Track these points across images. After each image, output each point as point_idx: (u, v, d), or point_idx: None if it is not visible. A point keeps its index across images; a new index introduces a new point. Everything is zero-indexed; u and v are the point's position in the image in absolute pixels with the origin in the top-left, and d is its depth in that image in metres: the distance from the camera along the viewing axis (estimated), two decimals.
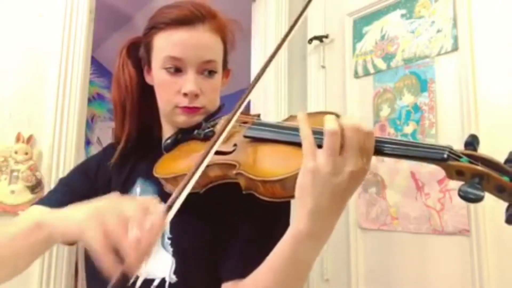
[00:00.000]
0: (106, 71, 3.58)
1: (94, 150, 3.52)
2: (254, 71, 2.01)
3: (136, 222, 0.51)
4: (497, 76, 1.27)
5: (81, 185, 0.89)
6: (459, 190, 0.49)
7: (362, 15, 1.72)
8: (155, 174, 0.79)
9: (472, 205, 1.27)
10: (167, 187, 0.78)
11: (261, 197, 0.66)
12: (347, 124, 0.55)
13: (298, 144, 0.60)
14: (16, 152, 1.38)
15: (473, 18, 1.34)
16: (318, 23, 1.90)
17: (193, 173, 0.60)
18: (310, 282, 1.73)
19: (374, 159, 0.58)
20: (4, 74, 1.42)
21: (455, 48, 1.39)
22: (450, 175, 0.53)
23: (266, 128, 0.73)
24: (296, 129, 0.64)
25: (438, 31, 1.44)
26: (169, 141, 0.85)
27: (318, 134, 0.57)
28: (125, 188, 0.87)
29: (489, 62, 1.29)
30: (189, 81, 0.80)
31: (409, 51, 1.53)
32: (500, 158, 0.53)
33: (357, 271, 1.60)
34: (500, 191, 0.50)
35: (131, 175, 0.89)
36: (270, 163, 0.68)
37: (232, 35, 0.88)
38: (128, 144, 0.90)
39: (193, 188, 0.61)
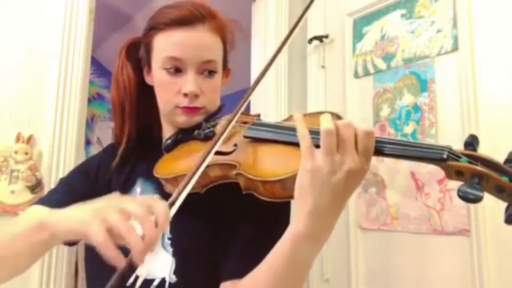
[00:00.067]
0: (106, 71, 3.58)
1: (94, 150, 3.52)
2: (254, 71, 2.01)
3: (139, 217, 0.52)
4: (497, 76, 1.27)
5: (81, 185, 0.89)
6: (459, 190, 0.49)
7: (362, 15, 1.72)
8: (156, 174, 0.79)
9: (472, 205, 1.27)
10: (167, 188, 0.78)
11: (261, 197, 0.66)
12: (341, 122, 0.56)
13: (298, 144, 0.60)
14: (16, 152, 1.38)
15: (473, 18, 1.34)
16: (318, 23, 1.90)
17: (194, 173, 0.61)
18: (310, 282, 1.73)
19: (374, 159, 0.58)
20: (4, 74, 1.42)
21: (455, 48, 1.39)
22: (449, 175, 0.54)
23: (266, 129, 0.73)
24: (296, 129, 0.64)
25: (438, 31, 1.44)
26: (169, 141, 0.85)
27: (315, 134, 0.57)
28: (125, 188, 0.87)
29: (489, 62, 1.29)
30: (189, 81, 0.80)
31: (409, 51, 1.53)
32: (500, 158, 0.53)
33: (357, 271, 1.60)
34: (499, 191, 0.50)
35: (131, 175, 0.89)
36: (270, 163, 0.68)
37: (232, 35, 0.88)
38: (129, 145, 0.90)
39: (193, 188, 0.61)
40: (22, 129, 1.40)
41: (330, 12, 1.87)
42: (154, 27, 0.83)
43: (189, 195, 0.59)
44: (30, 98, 1.44)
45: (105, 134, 3.64)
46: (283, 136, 0.68)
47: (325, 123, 0.56)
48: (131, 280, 0.74)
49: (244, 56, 1.86)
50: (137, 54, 0.90)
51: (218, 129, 0.80)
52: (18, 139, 1.39)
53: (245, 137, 0.74)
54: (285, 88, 1.90)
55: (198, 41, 0.81)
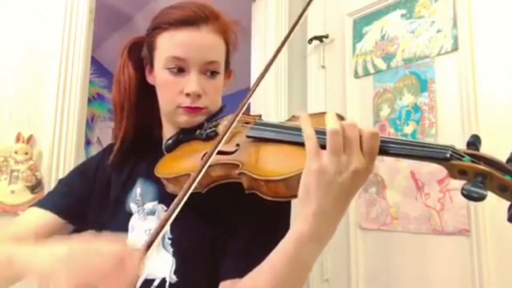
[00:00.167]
0: (106, 71, 3.58)
1: (94, 150, 3.51)
2: (254, 71, 2.01)
3: (111, 270, 0.50)
4: (497, 76, 1.27)
5: (80, 186, 0.89)
6: (462, 189, 0.50)
7: (362, 15, 1.72)
8: (157, 174, 0.78)
9: (472, 205, 1.27)
10: (169, 187, 0.78)
11: (264, 196, 0.66)
12: (346, 122, 0.57)
13: (301, 144, 0.60)
14: (16, 152, 1.38)
15: (473, 18, 1.34)
16: (318, 23, 1.90)
17: (194, 180, 0.60)
18: (310, 282, 1.73)
19: (375, 159, 0.58)
20: (4, 74, 1.42)
21: (455, 48, 1.39)
22: (452, 175, 0.54)
23: (269, 128, 0.73)
24: (299, 129, 0.64)
25: (438, 31, 1.44)
26: (170, 141, 0.85)
27: (320, 134, 0.58)
28: (125, 189, 0.87)
29: (489, 62, 1.29)
30: (192, 82, 0.80)
31: (409, 51, 1.53)
32: (500, 158, 0.53)
33: (357, 271, 1.60)
34: (502, 190, 0.51)
35: (131, 175, 0.89)
36: (273, 162, 0.68)
37: (235, 36, 0.88)
38: (125, 144, 0.90)
39: (195, 188, 0.61)
40: (22, 129, 1.40)
41: (330, 12, 1.87)
42: (157, 27, 0.83)
43: (190, 195, 0.59)
44: (30, 98, 1.44)
45: (105, 134, 3.64)
46: (285, 136, 0.68)
47: (332, 123, 0.56)
48: None
49: (244, 56, 1.86)
50: (139, 53, 0.90)
51: (220, 129, 0.80)
52: (18, 139, 1.39)
53: (248, 137, 0.74)
54: (285, 88, 1.90)
55: (202, 41, 0.81)
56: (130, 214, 0.84)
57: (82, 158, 1.48)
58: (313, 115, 0.72)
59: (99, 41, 3.16)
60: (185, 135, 0.84)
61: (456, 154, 0.53)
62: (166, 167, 0.79)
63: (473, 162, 0.52)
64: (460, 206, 1.30)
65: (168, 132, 0.88)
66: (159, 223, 0.56)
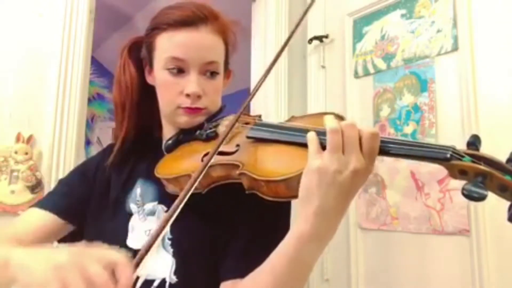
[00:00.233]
0: (106, 71, 3.58)
1: (94, 150, 3.51)
2: (254, 71, 2.01)
3: (99, 284, 0.49)
4: (497, 76, 1.27)
5: (80, 186, 0.89)
6: (463, 189, 0.50)
7: (362, 15, 1.72)
8: (157, 175, 0.78)
9: (472, 205, 1.27)
10: (169, 188, 0.78)
11: (264, 196, 0.66)
12: (345, 122, 0.58)
13: (301, 144, 0.60)
14: (16, 152, 1.38)
15: (473, 18, 1.34)
16: (318, 23, 1.90)
17: (195, 180, 0.60)
18: (310, 282, 1.73)
19: (375, 159, 0.58)
20: (4, 74, 1.42)
21: (455, 48, 1.39)
22: (453, 175, 0.54)
23: (269, 129, 0.73)
24: (298, 130, 0.64)
25: (438, 31, 1.44)
26: (170, 141, 0.85)
27: (321, 135, 0.59)
28: (125, 189, 0.87)
29: (489, 62, 1.29)
30: (191, 82, 0.80)
31: (409, 51, 1.53)
32: (500, 158, 0.53)
33: (357, 271, 1.60)
34: (502, 190, 0.51)
35: (132, 175, 0.89)
36: (273, 163, 0.68)
37: (234, 36, 0.88)
38: (125, 144, 0.90)
39: (195, 188, 0.61)
40: (22, 129, 1.40)
41: (330, 12, 1.87)
42: (156, 27, 0.83)
43: (190, 195, 0.59)
44: (30, 98, 1.44)
45: (105, 134, 3.64)
46: (285, 136, 0.68)
47: (330, 123, 0.58)
48: None
49: (244, 56, 1.86)
50: (139, 54, 0.90)
51: (220, 129, 0.80)
52: (18, 139, 1.39)
53: (248, 137, 0.74)
54: (285, 88, 1.90)
55: (201, 42, 0.81)
56: (130, 215, 0.84)
57: (82, 158, 1.48)
58: (312, 116, 0.73)
59: (99, 41, 3.16)
60: (185, 136, 0.84)
61: (456, 154, 0.53)
62: (166, 168, 0.79)
63: (473, 162, 0.52)
64: (460, 206, 1.30)
65: (168, 132, 0.88)
66: (159, 223, 0.56)
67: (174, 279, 0.76)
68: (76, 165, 1.01)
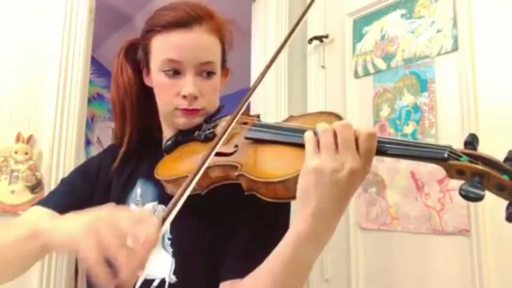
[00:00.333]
0: (106, 71, 3.58)
1: (94, 150, 3.52)
2: (254, 71, 2.01)
3: (131, 235, 0.51)
4: (497, 76, 1.27)
5: (82, 185, 0.89)
6: (460, 189, 0.50)
7: (362, 15, 1.72)
8: (157, 176, 0.79)
9: (472, 205, 1.27)
10: (169, 189, 0.79)
11: (263, 197, 0.66)
12: (339, 122, 0.58)
13: (299, 145, 0.60)
14: (16, 152, 1.38)
15: (473, 18, 1.34)
16: (318, 23, 1.90)
17: (192, 179, 0.60)
18: (310, 282, 1.73)
19: (374, 159, 0.58)
20: (4, 74, 1.42)
21: (455, 48, 1.39)
22: (451, 175, 0.54)
23: (267, 130, 0.73)
24: (297, 130, 0.64)
25: (438, 31, 1.44)
26: (169, 142, 0.85)
27: (318, 135, 0.59)
28: (126, 189, 0.87)
29: (489, 62, 1.29)
30: (188, 84, 0.80)
31: (409, 51, 1.53)
32: (500, 157, 0.53)
33: (357, 271, 1.59)
34: (500, 190, 0.51)
35: (132, 176, 0.89)
36: (272, 164, 0.68)
37: (230, 34, 0.88)
38: (130, 146, 0.90)
39: (194, 189, 0.61)
40: (22, 129, 1.40)
41: (330, 12, 1.87)
42: (151, 29, 0.83)
43: (190, 196, 0.59)
44: (30, 98, 1.44)
45: (105, 134, 3.65)
46: (284, 137, 0.68)
47: (321, 124, 0.59)
48: None
49: (244, 56, 1.86)
50: (136, 55, 0.90)
51: (218, 130, 0.80)
52: (18, 139, 1.39)
53: (246, 138, 0.74)
54: (285, 88, 1.90)
55: (196, 42, 0.80)
56: None
57: (82, 158, 1.48)
58: (313, 115, 0.73)
59: (99, 41, 3.17)
60: (184, 137, 0.84)
61: (454, 154, 0.53)
62: (165, 169, 0.79)
63: (470, 162, 0.52)
64: (460, 206, 1.30)
65: (167, 133, 0.88)
66: (173, 200, 0.58)
67: (173, 279, 0.76)
68: (77, 165, 1.02)
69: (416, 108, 1.48)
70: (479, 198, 0.49)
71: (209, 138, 0.80)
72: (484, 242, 1.23)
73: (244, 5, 2.06)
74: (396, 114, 1.54)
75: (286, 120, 0.78)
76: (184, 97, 0.80)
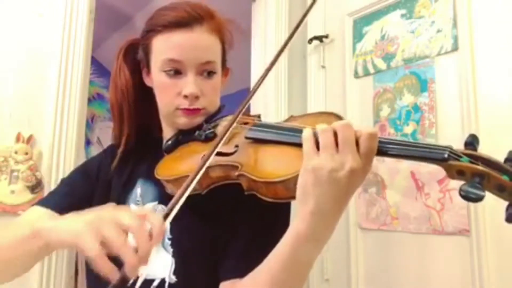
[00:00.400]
0: (106, 71, 3.58)
1: (94, 150, 3.52)
2: (254, 71, 2.01)
3: (134, 230, 0.51)
4: (497, 76, 1.27)
5: (82, 185, 0.89)
6: (460, 189, 0.50)
7: (362, 15, 1.72)
8: (157, 176, 0.79)
9: (472, 205, 1.27)
10: (169, 189, 0.79)
11: (263, 197, 0.66)
12: (339, 122, 0.58)
13: (299, 145, 0.60)
14: (16, 152, 1.38)
15: (473, 18, 1.34)
16: (318, 23, 1.90)
17: (193, 178, 0.61)
18: (310, 282, 1.73)
19: (374, 159, 0.58)
20: (4, 74, 1.42)
21: (455, 48, 1.39)
22: (451, 175, 0.54)
23: (267, 130, 0.73)
24: (297, 130, 0.64)
25: (438, 31, 1.44)
26: (169, 142, 0.85)
27: (317, 135, 0.59)
28: (126, 189, 0.87)
29: (489, 62, 1.29)
30: (189, 83, 0.80)
31: (409, 51, 1.53)
32: (500, 158, 0.53)
33: (357, 271, 1.60)
34: (500, 190, 0.51)
35: (132, 176, 0.89)
36: (272, 164, 0.68)
37: (230, 34, 0.88)
38: (128, 146, 0.90)
39: (195, 189, 0.61)
40: (22, 129, 1.40)
41: (330, 12, 1.87)
42: (152, 29, 0.83)
43: (190, 196, 0.59)
44: (30, 98, 1.44)
45: (105, 134, 3.65)
46: (284, 137, 0.68)
47: (321, 124, 0.59)
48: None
49: (244, 56, 1.86)
50: (135, 55, 0.90)
51: (219, 130, 0.80)
52: (18, 139, 1.39)
53: (247, 138, 0.74)
54: (285, 88, 1.90)
55: (196, 42, 0.81)
56: None
57: (82, 158, 1.48)
58: (313, 115, 0.73)
59: (99, 41, 3.16)
60: (184, 136, 0.84)
61: (454, 155, 0.53)
62: (166, 169, 0.79)
63: (471, 162, 0.52)
64: (460, 206, 1.30)
65: (167, 133, 0.88)
66: (175, 196, 0.58)
67: (173, 279, 0.76)
68: (77, 165, 1.02)
69: (416, 108, 1.48)
70: (479, 199, 0.49)
71: (210, 138, 0.80)
72: (484, 242, 1.23)
73: (244, 5, 2.06)
74: (396, 114, 1.54)
75: (286, 120, 0.78)
76: (185, 96, 0.81)
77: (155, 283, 0.77)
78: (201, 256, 0.78)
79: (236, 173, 0.68)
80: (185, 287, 0.76)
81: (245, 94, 0.71)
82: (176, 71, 0.81)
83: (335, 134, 0.57)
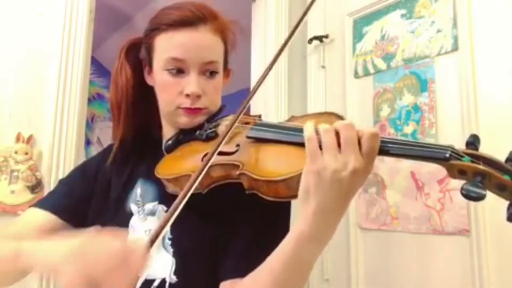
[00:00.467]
0: (106, 71, 3.58)
1: (94, 150, 3.52)
2: (254, 71, 2.01)
3: (116, 265, 0.51)
4: (497, 76, 1.27)
5: (81, 186, 0.89)
6: (462, 188, 0.50)
7: (362, 15, 1.72)
8: (157, 175, 0.78)
9: (472, 205, 1.27)
10: (169, 188, 0.78)
11: (264, 196, 0.66)
12: (341, 122, 0.58)
13: (300, 144, 0.60)
14: (16, 152, 1.38)
15: (473, 18, 1.34)
16: (318, 23, 1.90)
17: (195, 179, 0.60)
18: (310, 282, 1.73)
19: (375, 159, 0.58)
20: (4, 74, 1.42)
21: (455, 48, 1.39)
22: (452, 174, 0.54)
23: (269, 129, 0.73)
24: (298, 130, 0.64)
25: (438, 31, 1.44)
26: (170, 141, 0.85)
27: (319, 135, 0.59)
28: (126, 189, 0.87)
29: (489, 62, 1.29)
30: (191, 82, 0.80)
31: (409, 51, 1.53)
32: (501, 157, 0.54)
33: (357, 271, 1.60)
34: (501, 190, 0.51)
35: (132, 176, 0.89)
36: (273, 163, 0.68)
37: (233, 36, 0.88)
38: (124, 145, 0.90)
39: (196, 188, 0.61)
40: (22, 129, 1.40)
41: (330, 12, 1.87)
42: (155, 28, 0.83)
43: (190, 195, 0.59)
44: (30, 98, 1.44)
45: (105, 134, 3.65)
46: (285, 136, 0.68)
47: (323, 125, 0.59)
48: None
49: (244, 56, 1.86)
50: (137, 54, 0.90)
51: (220, 129, 0.80)
52: (18, 139, 1.39)
53: (248, 137, 0.74)
54: (285, 88, 1.90)
55: (200, 42, 0.81)
56: (130, 215, 0.84)
57: (82, 158, 1.48)
58: (314, 115, 0.73)
59: (99, 41, 3.16)
60: (185, 136, 0.84)
61: (456, 154, 0.53)
62: (166, 168, 0.79)
63: (472, 162, 0.52)
64: (460, 206, 1.30)
65: (168, 132, 0.88)
66: (160, 222, 0.56)
67: (174, 279, 0.76)
68: (76, 165, 1.01)
69: (416, 108, 1.48)
70: (480, 198, 0.49)
71: (211, 138, 0.80)
72: (484, 242, 1.23)
73: (244, 5, 2.06)
74: (396, 114, 1.54)
75: (287, 121, 0.78)
76: (187, 95, 0.81)
77: (156, 283, 0.76)
78: (201, 256, 0.78)
79: (237, 172, 0.68)
80: (185, 287, 0.76)
81: (245, 94, 0.71)
82: (179, 70, 0.81)
83: (337, 134, 0.57)
